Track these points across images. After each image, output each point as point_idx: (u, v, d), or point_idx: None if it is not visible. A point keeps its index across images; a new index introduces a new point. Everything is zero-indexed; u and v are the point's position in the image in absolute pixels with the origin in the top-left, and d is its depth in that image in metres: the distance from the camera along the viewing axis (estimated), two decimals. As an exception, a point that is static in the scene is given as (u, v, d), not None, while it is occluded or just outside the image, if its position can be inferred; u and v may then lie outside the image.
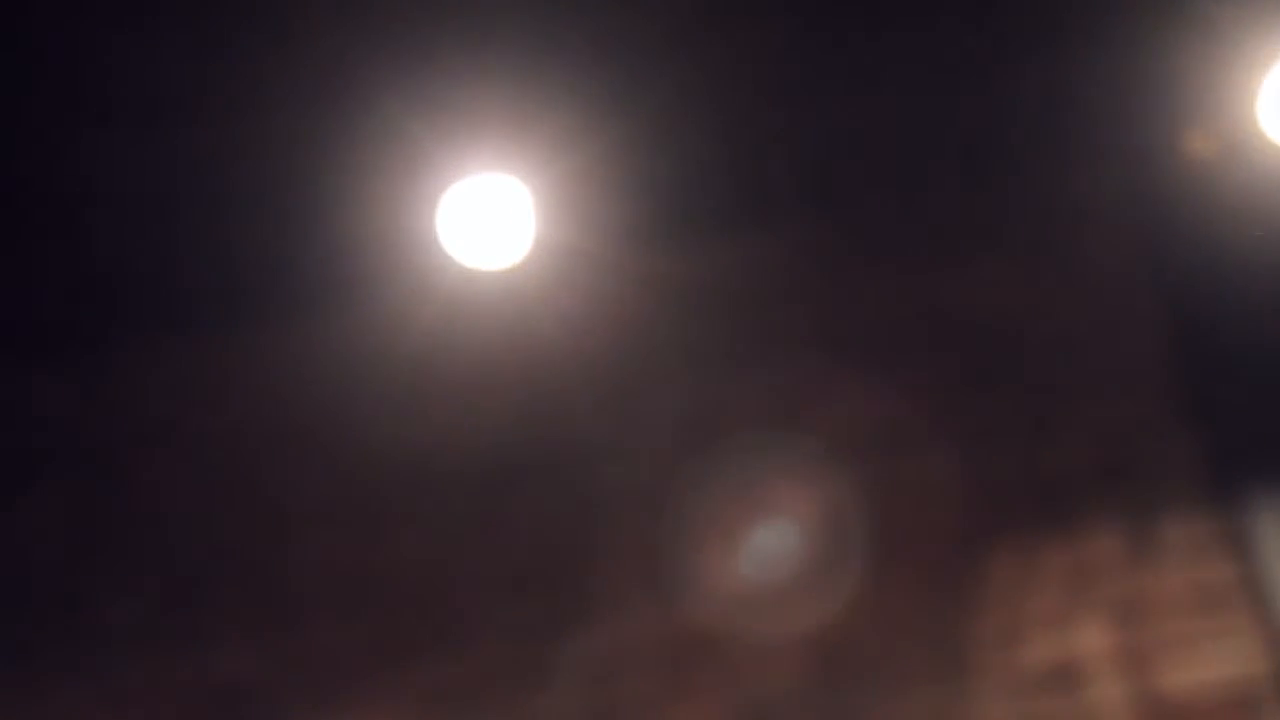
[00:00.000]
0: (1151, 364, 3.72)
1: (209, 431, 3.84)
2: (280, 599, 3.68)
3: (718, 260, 3.84)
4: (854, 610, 3.55)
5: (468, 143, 3.43)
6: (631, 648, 3.57)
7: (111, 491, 3.80)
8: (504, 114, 3.41)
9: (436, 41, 3.32)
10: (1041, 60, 3.64)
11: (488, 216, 3.49)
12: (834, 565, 3.60)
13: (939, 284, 3.82)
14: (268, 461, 3.81)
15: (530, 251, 3.52)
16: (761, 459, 3.67)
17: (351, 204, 3.55)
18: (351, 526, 3.74)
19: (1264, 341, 3.67)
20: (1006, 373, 3.74)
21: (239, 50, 3.31)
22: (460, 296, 3.63)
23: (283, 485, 3.78)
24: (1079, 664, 3.48)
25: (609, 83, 3.44)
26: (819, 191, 3.83)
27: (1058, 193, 3.84)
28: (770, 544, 3.61)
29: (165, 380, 3.87)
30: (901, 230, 3.86)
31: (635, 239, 3.69)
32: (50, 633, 3.66)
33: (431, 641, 3.61)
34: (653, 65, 3.48)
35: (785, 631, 3.55)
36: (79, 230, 3.61)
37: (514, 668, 3.57)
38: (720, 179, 3.74)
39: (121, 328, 3.82)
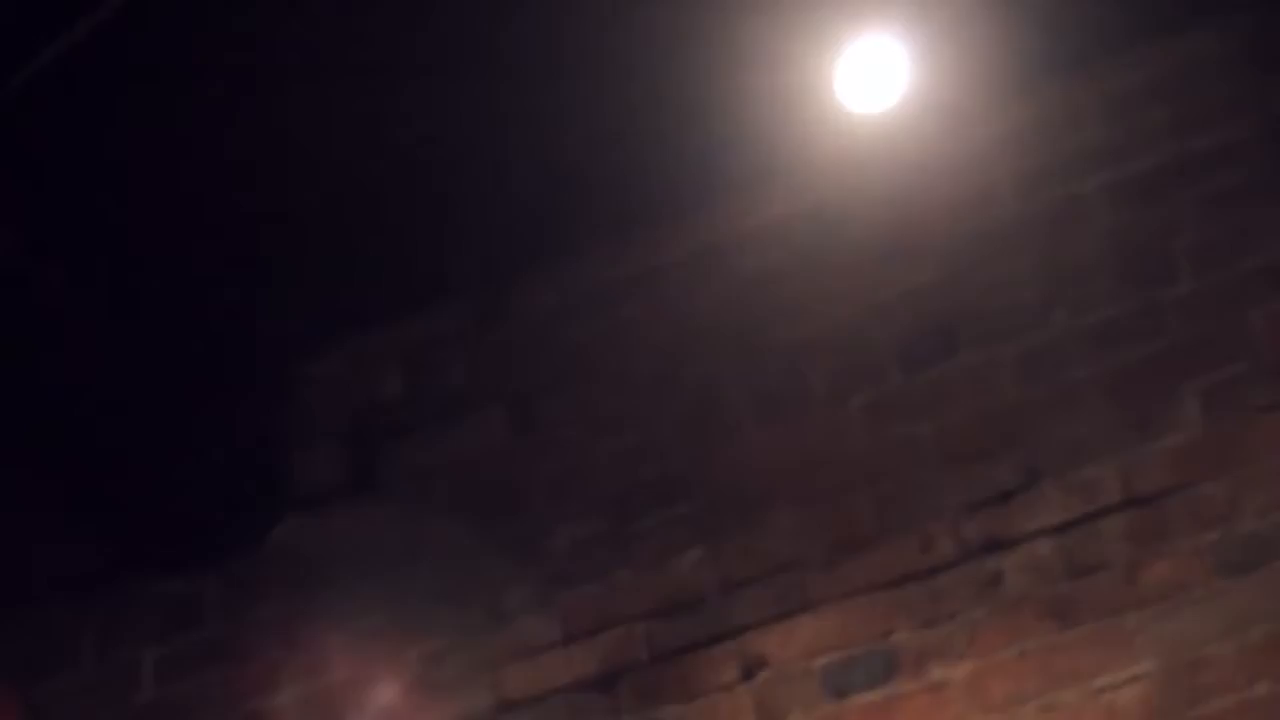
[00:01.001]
0: None
1: (636, 335, 3.78)
2: (727, 501, 3.56)
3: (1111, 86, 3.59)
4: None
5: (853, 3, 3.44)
6: (1095, 509, 3.30)
7: (545, 412, 3.78)
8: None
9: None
10: None
11: (873, 70, 3.50)
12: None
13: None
14: (697, 358, 3.71)
15: (913, 102, 3.54)
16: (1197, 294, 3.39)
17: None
18: (784, 417, 3.60)
19: None
20: None
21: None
22: (854, 148, 3.60)
23: (715, 383, 3.68)
24: None
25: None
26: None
27: None
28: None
29: (590, 290, 3.84)
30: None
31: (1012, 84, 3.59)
32: (499, 557, 3.63)
33: (886, 526, 3.43)
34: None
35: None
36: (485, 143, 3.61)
37: (977, 543, 3.35)
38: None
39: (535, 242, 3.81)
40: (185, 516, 3.76)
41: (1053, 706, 3.15)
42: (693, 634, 3.46)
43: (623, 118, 3.58)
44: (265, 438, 3.88)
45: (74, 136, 3.40)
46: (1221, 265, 3.40)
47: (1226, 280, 3.39)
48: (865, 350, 3.60)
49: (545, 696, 3.49)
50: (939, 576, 3.34)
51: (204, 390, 3.73)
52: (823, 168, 3.69)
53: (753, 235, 3.75)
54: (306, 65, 3.42)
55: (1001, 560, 3.31)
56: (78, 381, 3.52)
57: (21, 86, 3.12)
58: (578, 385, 3.77)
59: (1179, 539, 3.21)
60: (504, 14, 3.39)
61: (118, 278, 3.57)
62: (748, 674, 3.38)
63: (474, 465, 3.77)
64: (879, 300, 3.63)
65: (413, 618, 3.64)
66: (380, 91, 3.48)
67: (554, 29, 3.42)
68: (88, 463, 3.63)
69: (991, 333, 3.51)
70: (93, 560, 3.82)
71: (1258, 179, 3.44)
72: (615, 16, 3.40)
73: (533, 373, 3.82)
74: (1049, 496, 3.33)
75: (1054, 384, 3.43)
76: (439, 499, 3.76)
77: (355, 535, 3.77)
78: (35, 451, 3.61)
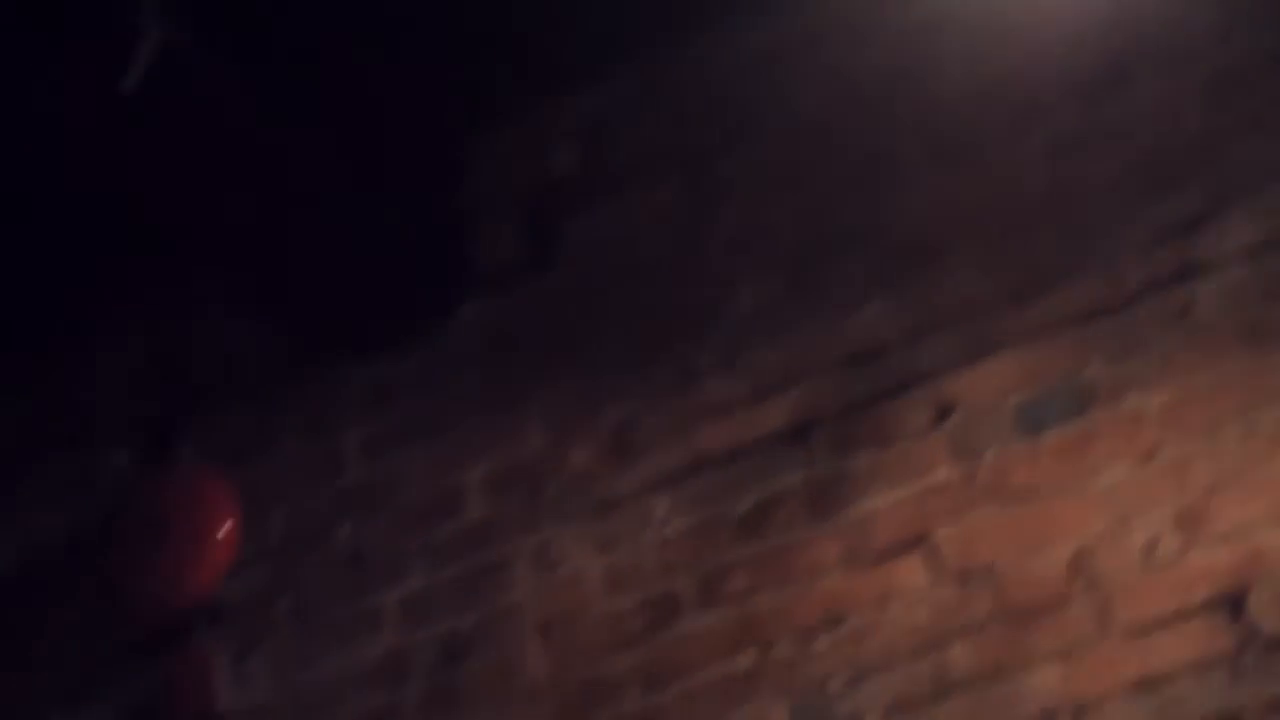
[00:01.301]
0: None
1: (806, 91, 3.77)
2: (907, 248, 3.56)
3: None
4: None
5: None
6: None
7: (719, 174, 3.79)
8: None
9: None
10: None
11: None
12: None
13: None
14: (868, 110, 3.70)
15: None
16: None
17: None
18: (960, 162, 3.58)
19: None
20: None
21: None
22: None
23: (887, 133, 3.67)
24: None
25: None
26: None
27: None
28: None
29: (757, 49, 3.83)
30: None
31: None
32: (684, 321, 3.69)
33: (1072, 262, 3.41)
34: None
35: None
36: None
37: (1167, 272, 3.33)
38: None
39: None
40: (376, 301, 3.83)
41: (1253, 429, 3.14)
42: (882, 382, 3.47)
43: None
44: (447, 218, 3.93)
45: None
46: None
47: None
48: (1039, 89, 3.56)
49: (739, 452, 3.53)
50: (1130, 308, 3.33)
51: (386, 176, 3.78)
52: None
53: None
54: None
55: (1193, 287, 3.29)
56: (264, 175, 3.57)
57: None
58: (750, 145, 3.78)
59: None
60: None
61: (293, 71, 3.60)
62: (941, 417, 3.39)
63: (652, 231, 3.80)
64: (1049, 39, 3.58)
65: (603, 384, 3.70)
66: None
67: None
68: (280, 255, 3.70)
69: (1169, 62, 3.47)
70: (290, 348, 3.91)
71: None
72: None
73: (705, 136, 3.82)
74: (1239, 221, 3.29)
75: (1238, 109, 3.38)
76: (620, 267, 3.80)
77: (541, 308, 3.83)
78: (231, 247, 3.69)
